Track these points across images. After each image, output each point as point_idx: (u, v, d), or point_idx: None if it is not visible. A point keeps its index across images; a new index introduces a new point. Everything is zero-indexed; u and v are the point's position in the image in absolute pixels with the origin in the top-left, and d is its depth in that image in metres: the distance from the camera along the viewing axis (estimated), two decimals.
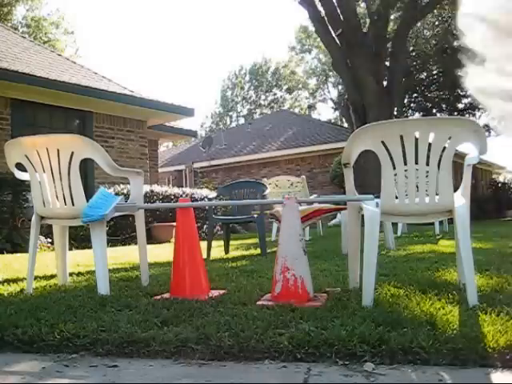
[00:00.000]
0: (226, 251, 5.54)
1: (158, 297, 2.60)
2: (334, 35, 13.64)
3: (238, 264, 4.23)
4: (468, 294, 2.19)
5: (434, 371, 1.52)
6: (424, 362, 1.57)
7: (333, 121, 34.43)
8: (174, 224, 2.86)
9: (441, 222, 8.09)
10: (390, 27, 16.29)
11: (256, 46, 76.29)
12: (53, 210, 2.95)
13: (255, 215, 5.48)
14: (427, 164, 2.35)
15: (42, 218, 3.02)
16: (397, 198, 2.43)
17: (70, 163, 2.83)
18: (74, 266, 4.28)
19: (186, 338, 1.77)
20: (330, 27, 13.70)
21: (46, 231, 6.03)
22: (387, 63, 14.84)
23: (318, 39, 28.49)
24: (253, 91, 45.14)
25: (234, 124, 41.30)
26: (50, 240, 6.38)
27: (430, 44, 21.75)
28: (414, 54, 20.99)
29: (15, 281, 3.40)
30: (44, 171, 2.89)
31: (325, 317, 1.97)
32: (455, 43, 21.28)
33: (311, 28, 34.52)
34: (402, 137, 2.33)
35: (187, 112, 11.75)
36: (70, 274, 3.53)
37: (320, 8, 13.99)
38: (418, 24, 19.89)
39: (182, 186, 13.90)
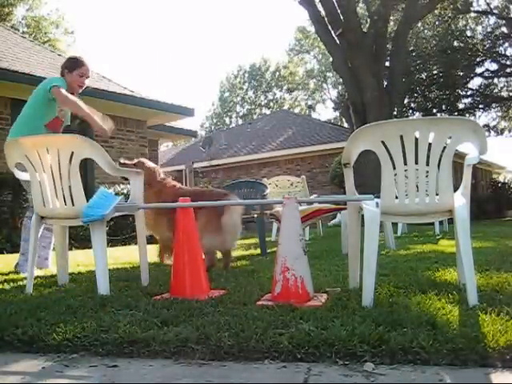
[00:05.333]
0: None
1: (158, 297, 2.60)
2: (333, 35, 13.64)
3: (238, 264, 4.23)
4: (468, 294, 2.19)
5: (433, 371, 1.52)
6: (424, 362, 1.57)
7: (333, 121, 34.42)
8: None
9: (441, 222, 8.09)
10: (390, 27, 16.28)
11: (255, 47, 76.37)
12: (53, 210, 2.95)
13: (255, 215, 5.48)
14: (427, 164, 2.35)
15: (42, 217, 3.02)
16: (397, 198, 2.43)
17: (69, 163, 2.83)
18: (74, 266, 4.28)
19: (186, 337, 1.77)
20: (329, 27, 13.70)
21: None
22: (387, 63, 14.83)
23: (317, 40, 28.51)
24: (252, 91, 45.14)
25: (233, 124, 41.29)
26: None
27: (430, 44, 21.73)
28: (414, 54, 20.96)
29: (15, 281, 3.41)
30: (44, 171, 2.89)
31: (325, 317, 1.97)
32: (455, 43, 21.33)
33: (309, 28, 34.59)
34: (401, 137, 2.33)
35: (187, 112, 11.76)
36: (70, 274, 3.53)
37: (320, 8, 13.99)
38: (418, 24, 19.88)
39: None
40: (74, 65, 4.00)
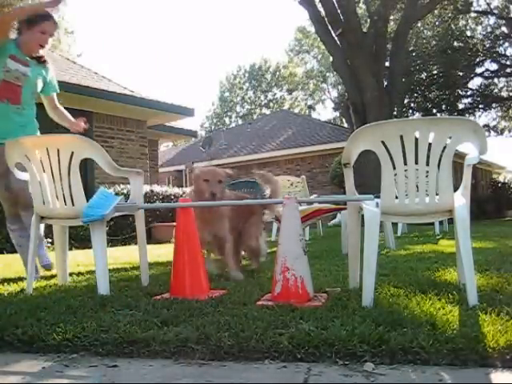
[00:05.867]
0: None
1: (158, 297, 2.60)
2: (334, 35, 13.65)
3: None
4: (468, 294, 2.19)
5: (433, 371, 1.51)
6: (424, 362, 1.56)
7: (333, 121, 34.43)
8: (174, 224, 2.86)
9: (441, 222, 8.09)
10: (390, 27, 16.29)
11: (255, 47, 76.39)
12: (53, 210, 2.95)
13: None
14: (427, 164, 2.35)
15: (42, 217, 3.02)
16: (397, 198, 2.43)
17: (69, 163, 2.83)
18: (74, 266, 4.28)
19: (186, 337, 1.77)
20: (330, 27, 13.71)
21: (46, 231, 6.03)
22: (387, 63, 14.84)
23: (317, 40, 28.50)
24: (252, 91, 45.15)
25: (233, 124, 41.31)
26: (50, 240, 6.37)
27: (430, 44, 21.75)
28: (413, 54, 20.98)
29: (15, 281, 3.41)
30: (44, 171, 2.89)
31: (325, 317, 1.97)
32: (455, 43, 21.34)
33: (309, 28, 34.60)
34: (401, 137, 2.33)
35: (187, 112, 11.76)
36: (70, 274, 3.53)
37: (320, 8, 14.01)
38: (418, 24, 19.90)
39: (182, 186, 13.91)
40: (35, 18, 3.36)
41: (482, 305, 2.08)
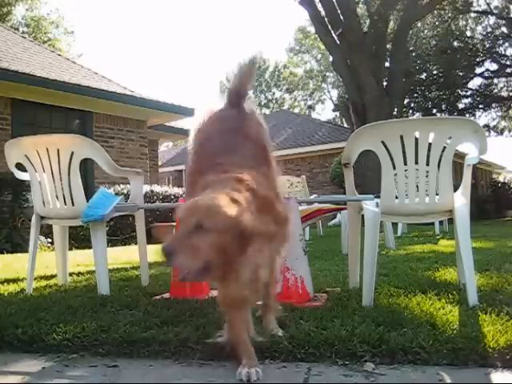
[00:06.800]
0: None
1: (158, 297, 2.60)
2: (334, 35, 13.65)
3: None
4: (468, 294, 2.19)
5: (434, 371, 1.51)
6: (424, 362, 1.57)
7: (332, 121, 34.40)
8: (174, 224, 2.86)
9: (441, 222, 8.09)
10: (390, 27, 16.30)
11: (255, 47, 76.33)
12: (53, 210, 2.95)
13: None
14: (427, 164, 2.35)
15: (42, 217, 3.02)
16: (397, 198, 2.43)
17: (69, 163, 2.83)
18: (74, 266, 4.28)
19: (186, 337, 1.77)
20: (330, 27, 13.71)
21: (46, 231, 6.04)
22: (387, 63, 14.85)
23: (317, 40, 28.48)
24: (251, 91, 45.15)
25: None
26: (50, 240, 6.38)
27: (430, 44, 21.76)
28: (413, 54, 20.98)
29: (15, 281, 3.41)
30: (44, 171, 2.89)
31: (325, 317, 1.97)
32: (455, 43, 21.34)
33: (309, 28, 34.59)
34: (402, 137, 2.33)
35: (187, 112, 11.74)
36: (70, 274, 3.53)
37: (320, 8, 14.01)
38: (418, 24, 19.90)
39: (182, 186, 13.91)
40: None
41: (482, 305, 2.09)
